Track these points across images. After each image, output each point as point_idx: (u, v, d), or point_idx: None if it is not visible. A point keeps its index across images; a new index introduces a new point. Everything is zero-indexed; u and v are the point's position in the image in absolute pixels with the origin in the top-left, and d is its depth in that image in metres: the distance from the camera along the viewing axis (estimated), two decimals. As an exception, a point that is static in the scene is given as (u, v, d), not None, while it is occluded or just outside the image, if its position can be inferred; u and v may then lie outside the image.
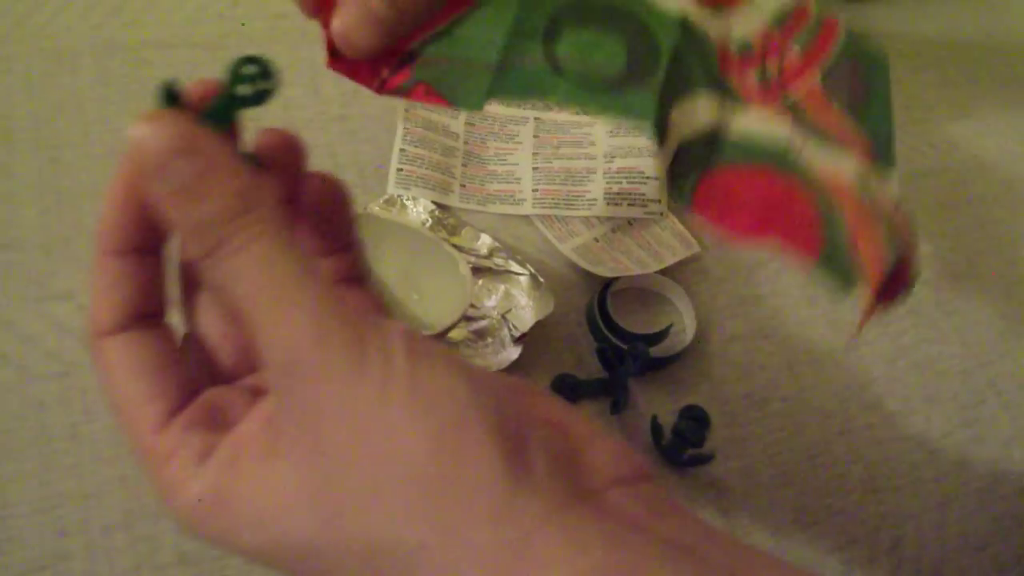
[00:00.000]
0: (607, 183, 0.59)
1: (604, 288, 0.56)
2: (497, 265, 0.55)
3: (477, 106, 0.31)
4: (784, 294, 0.60)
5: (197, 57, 0.62)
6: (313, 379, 0.25)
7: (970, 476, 0.56)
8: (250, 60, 0.27)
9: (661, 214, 0.58)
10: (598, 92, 0.32)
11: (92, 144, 0.57)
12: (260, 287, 0.25)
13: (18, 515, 0.45)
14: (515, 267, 0.54)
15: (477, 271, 0.54)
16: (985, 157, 0.71)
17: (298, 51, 0.64)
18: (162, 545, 0.45)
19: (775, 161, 0.35)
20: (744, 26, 0.37)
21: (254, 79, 0.27)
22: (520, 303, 0.53)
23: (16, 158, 0.56)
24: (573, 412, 0.30)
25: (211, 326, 0.31)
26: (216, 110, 0.27)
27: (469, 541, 0.24)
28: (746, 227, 0.34)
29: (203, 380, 0.30)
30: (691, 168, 0.34)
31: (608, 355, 0.53)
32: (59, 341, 0.50)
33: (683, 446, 0.51)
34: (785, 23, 0.38)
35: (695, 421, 0.53)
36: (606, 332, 0.54)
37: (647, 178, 0.59)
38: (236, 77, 0.27)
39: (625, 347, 0.53)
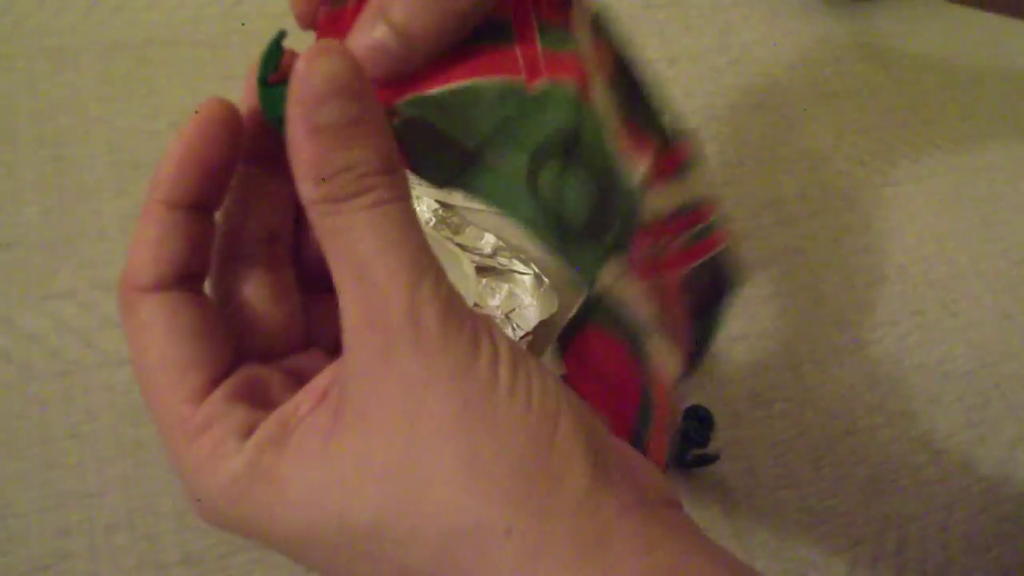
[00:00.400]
0: (611, 182, 0.59)
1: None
2: (501, 264, 0.54)
3: (436, 183, 0.29)
4: (789, 294, 0.60)
5: (199, 55, 0.62)
6: (427, 351, 0.24)
7: (975, 478, 0.56)
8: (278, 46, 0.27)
9: (665, 214, 0.58)
10: (563, 236, 0.31)
11: (94, 143, 0.57)
12: (391, 247, 0.25)
13: (20, 514, 0.45)
14: (519, 267, 0.54)
15: (481, 270, 0.54)
16: (989, 158, 0.71)
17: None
18: (165, 544, 0.45)
19: (630, 340, 0.36)
20: (664, 198, 0.37)
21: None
22: (524, 303, 0.53)
23: (18, 156, 0.56)
24: (615, 435, 0.30)
25: (254, 301, 0.30)
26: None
27: (553, 529, 0.24)
28: (592, 395, 0.33)
29: (238, 356, 0.29)
30: (576, 320, 0.34)
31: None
32: (61, 340, 0.50)
33: (687, 446, 0.51)
34: (694, 211, 0.38)
35: (699, 421, 0.53)
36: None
37: (651, 177, 0.59)
38: (268, 65, 0.28)
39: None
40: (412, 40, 0.28)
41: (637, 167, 0.34)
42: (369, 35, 0.29)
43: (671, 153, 0.37)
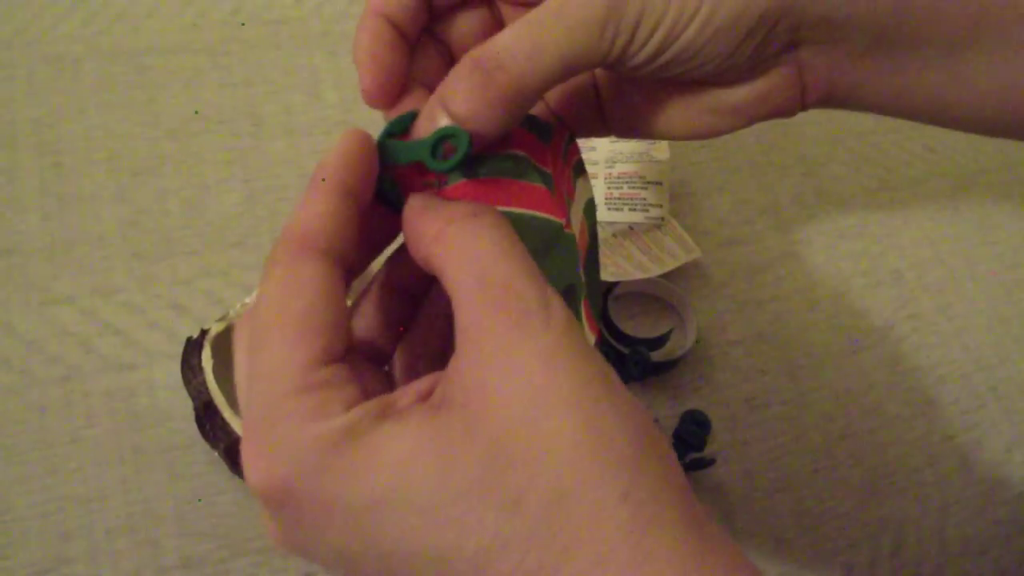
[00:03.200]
0: (608, 188, 0.59)
1: (605, 293, 0.56)
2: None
3: None
4: (785, 298, 0.60)
5: (198, 63, 0.62)
6: (557, 331, 0.27)
7: (971, 480, 0.56)
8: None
9: (662, 219, 0.59)
10: None
11: (94, 149, 0.57)
12: (510, 251, 0.28)
13: (21, 519, 0.45)
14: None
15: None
16: (984, 163, 0.71)
17: (299, 57, 0.64)
18: (165, 549, 0.45)
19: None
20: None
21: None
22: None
23: (19, 163, 0.56)
24: None
25: (374, 322, 0.34)
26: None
27: (667, 501, 0.26)
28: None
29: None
30: None
31: (609, 359, 0.53)
32: (61, 345, 0.50)
33: (685, 450, 0.51)
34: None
35: (696, 425, 0.53)
36: (607, 336, 0.54)
37: (648, 183, 0.59)
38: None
39: (626, 351, 0.53)
40: (464, 122, 0.32)
41: (589, 340, 0.37)
42: (430, 122, 0.32)
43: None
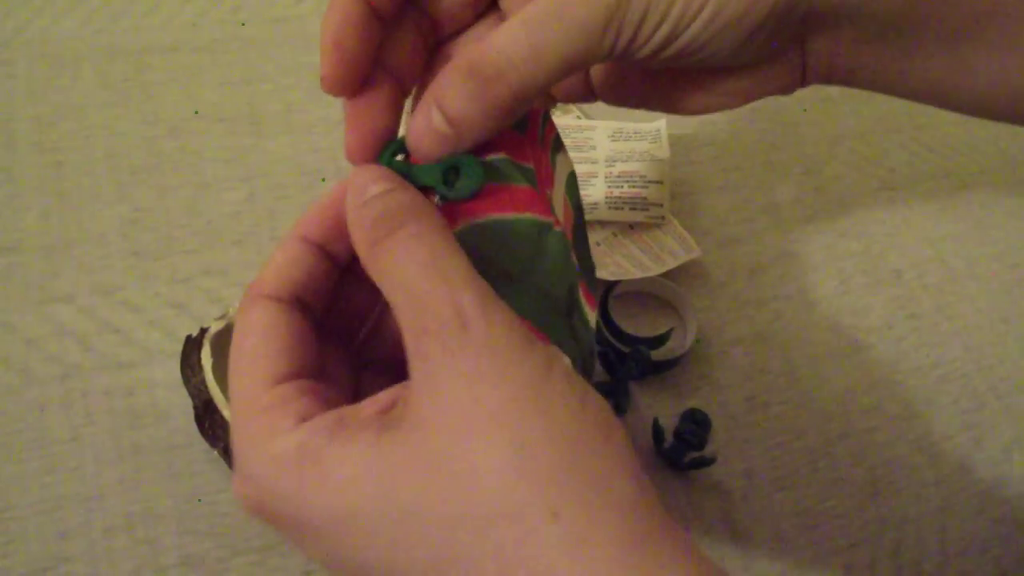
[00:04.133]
0: (608, 187, 0.59)
1: (605, 292, 0.56)
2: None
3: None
4: (785, 298, 0.60)
5: (198, 62, 0.62)
6: (477, 347, 0.26)
7: (971, 480, 0.56)
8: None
9: (663, 218, 0.58)
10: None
11: (93, 148, 0.57)
12: (428, 265, 0.28)
13: (19, 517, 0.45)
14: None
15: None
16: (984, 162, 0.71)
17: (299, 55, 0.64)
18: (164, 547, 0.45)
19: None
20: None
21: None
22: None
23: (18, 161, 0.56)
24: None
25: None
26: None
27: (602, 519, 0.25)
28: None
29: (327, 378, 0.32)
30: None
31: (610, 358, 0.54)
32: (60, 344, 0.50)
33: (684, 449, 0.51)
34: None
35: (696, 424, 0.53)
36: (608, 335, 0.54)
37: (649, 182, 0.59)
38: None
39: (626, 350, 0.53)
40: (459, 125, 0.32)
41: (592, 318, 0.37)
42: (426, 120, 0.32)
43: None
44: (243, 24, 0.65)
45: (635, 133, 0.62)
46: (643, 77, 0.39)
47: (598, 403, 0.27)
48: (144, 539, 0.45)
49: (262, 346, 0.30)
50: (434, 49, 0.39)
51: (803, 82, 0.39)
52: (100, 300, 0.52)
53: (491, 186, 0.33)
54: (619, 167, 0.60)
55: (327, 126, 0.61)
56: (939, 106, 0.39)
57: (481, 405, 0.26)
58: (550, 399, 0.26)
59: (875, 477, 0.55)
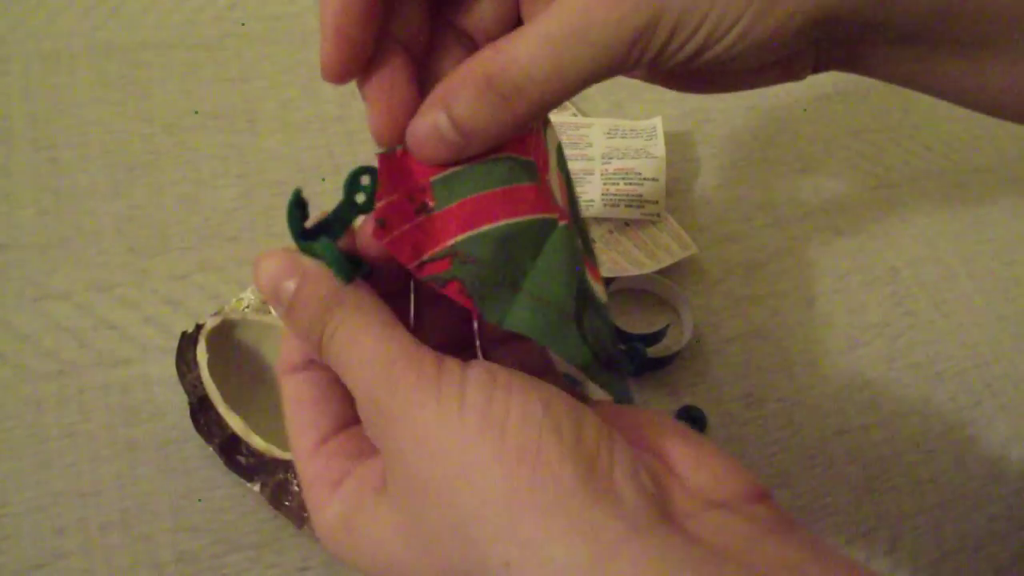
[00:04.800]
0: (604, 184, 0.59)
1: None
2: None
3: (499, 322, 0.31)
4: (781, 295, 0.60)
5: (194, 59, 0.62)
6: (390, 420, 0.29)
7: (967, 477, 0.56)
8: (365, 171, 0.31)
9: (659, 215, 0.59)
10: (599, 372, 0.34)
11: (89, 145, 0.57)
12: (347, 361, 0.30)
13: (15, 513, 0.45)
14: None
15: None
16: (980, 160, 0.71)
17: (295, 52, 0.64)
18: (160, 544, 0.45)
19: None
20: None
21: (367, 188, 0.31)
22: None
23: (14, 158, 0.56)
24: (682, 436, 0.30)
25: None
26: (336, 217, 0.32)
27: (550, 556, 0.25)
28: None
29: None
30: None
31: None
32: (56, 340, 0.50)
33: (680, 446, 0.51)
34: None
35: (692, 421, 0.53)
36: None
37: (644, 179, 0.59)
38: (352, 187, 0.31)
39: (623, 347, 0.53)
40: (469, 135, 0.31)
41: (602, 291, 0.36)
42: (431, 122, 0.31)
43: None
44: (242, 24, 0.65)
45: (631, 131, 0.62)
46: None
47: (523, 418, 0.27)
48: (140, 535, 0.45)
49: (294, 419, 0.33)
50: (435, 17, 0.36)
51: (815, 71, 0.39)
52: (96, 296, 0.52)
53: (493, 193, 0.32)
54: (615, 164, 0.60)
55: (323, 123, 0.61)
56: (954, 103, 0.39)
57: (419, 483, 0.28)
58: (470, 454, 0.27)
59: (871, 474, 0.55)
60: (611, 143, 0.61)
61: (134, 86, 0.60)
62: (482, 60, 0.31)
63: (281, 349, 0.34)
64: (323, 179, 0.59)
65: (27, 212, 0.54)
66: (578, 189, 0.59)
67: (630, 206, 0.59)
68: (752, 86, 0.39)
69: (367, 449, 0.32)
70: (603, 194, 0.59)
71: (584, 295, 0.34)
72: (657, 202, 0.59)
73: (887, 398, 0.58)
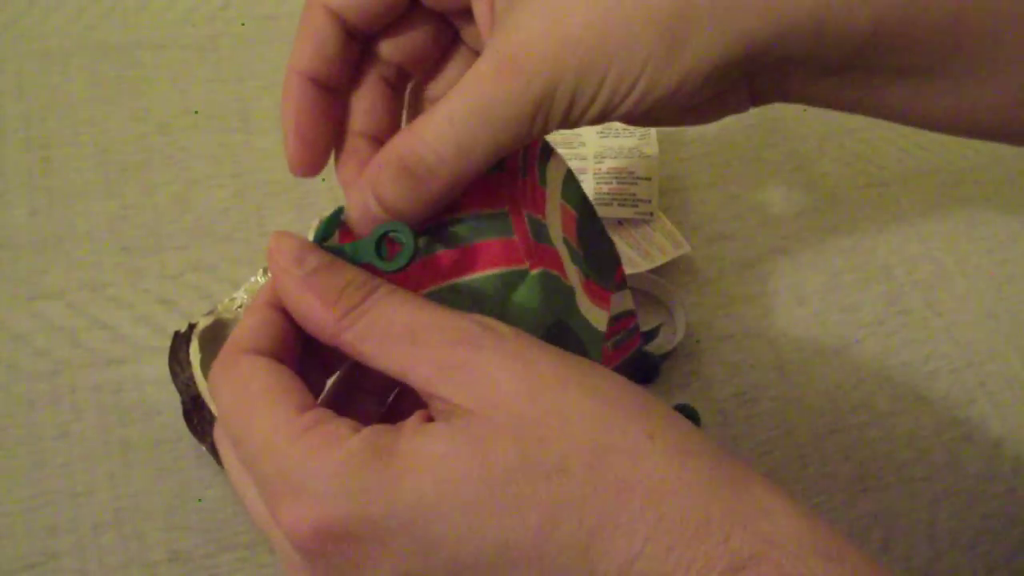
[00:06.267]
0: (597, 183, 0.59)
1: (595, 287, 0.56)
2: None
3: None
4: (774, 294, 0.60)
5: (188, 58, 0.62)
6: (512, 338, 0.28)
7: (960, 475, 0.56)
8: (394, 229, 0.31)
9: (651, 214, 0.59)
10: None
11: (83, 144, 0.57)
12: (423, 307, 0.29)
13: (8, 513, 0.45)
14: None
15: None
16: (974, 159, 0.71)
17: (287, 52, 0.64)
18: (152, 543, 0.45)
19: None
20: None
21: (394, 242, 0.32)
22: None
23: (7, 158, 0.56)
24: None
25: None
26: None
27: (689, 435, 0.28)
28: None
29: None
30: None
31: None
32: (49, 340, 0.50)
33: (673, 444, 0.51)
34: (622, 320, 0.44)
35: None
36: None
37: (637, 178, 0.59)
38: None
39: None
40: (397, 215, 0.31)
41: (601, 316, 0.37)
42: (362, 203, 0.32)
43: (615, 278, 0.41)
44: (236, 23, 0.65)
45: (624, 129, 0.62)
46: None
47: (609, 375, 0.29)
48: (132, 535, 0.46)
49: (271, 383, 0.29)
50: (410, 90, 0.39)
51: (755, 104, 0.38)
52: (89, 296, 0.52)
53: (454, 251, 0.33)
54: (608, 163, 0.60)
55: (317, 123, 0.61)
56: (902, 124, 0.39)
57: (540, 373, 0.27)
58: (591, 364, 0.29)
59: (864, 473, 0.55)
60: (604, 142, 0.61)
61: (127, 85, 0.60)
62: (396, 143, 0.32)
63: (239, 329, 0.31)
64: (323, 179, 0.59)
65: (19, 211, 0.54)
66: (571, 188, 0.59)
67: (623, 205, 0.59)
68: (695, 122, 0.39)
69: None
70: (595, 193, 0.59)
71: (561, 333, 0.35)
72: (650, 201, 0.59)
73: (880, 396, 0.58)
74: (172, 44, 0.63)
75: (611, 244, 0.41)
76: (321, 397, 0.35)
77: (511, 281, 0.33)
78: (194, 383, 0.46)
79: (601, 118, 0.32)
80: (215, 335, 0.48)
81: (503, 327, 0.29)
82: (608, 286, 0.39)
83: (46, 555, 0.44)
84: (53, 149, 0.57)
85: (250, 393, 0.29)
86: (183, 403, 0.47)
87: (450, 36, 0.37)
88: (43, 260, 0.53)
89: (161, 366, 0.49)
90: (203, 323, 0.48)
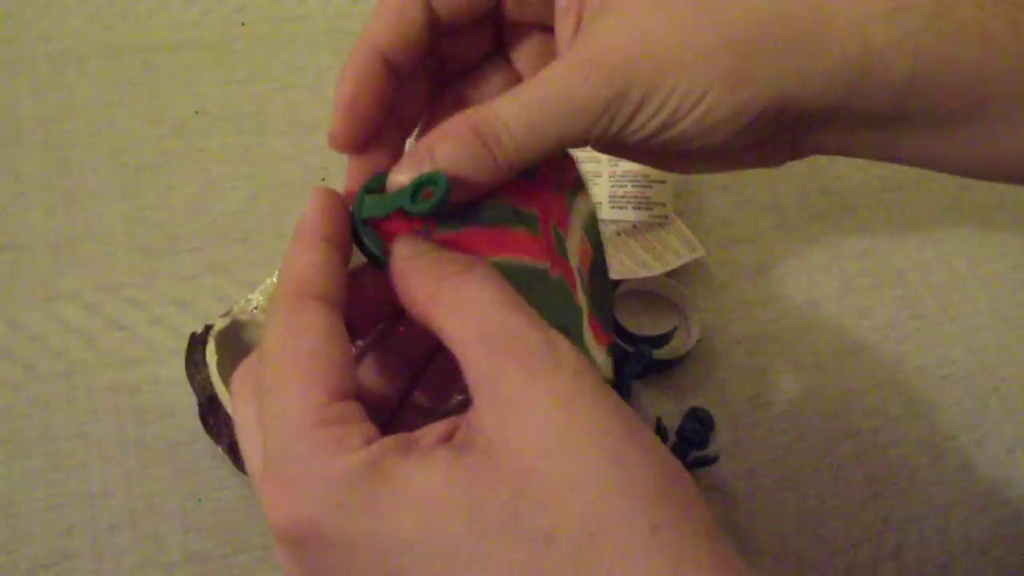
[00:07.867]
0: (612, 186, 0.59)
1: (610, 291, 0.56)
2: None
3: None
4: (788, 297, 0.60)
5: (202, 59, 0.62)
6: (568, 372, 0.27)
7: (974, 480, 0.56)
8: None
9: (666, 217, 0.59)
10: None
11: (99, 145, 0.58)
12: (510, 300, 0.28)
13: (24, 513, 0.45)
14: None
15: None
16: (988, 163, 0.71)
17: (303, 54, 0.64)
18: (168, 544, 0.46)
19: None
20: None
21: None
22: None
23: (24, 159, 0.56)
24: None
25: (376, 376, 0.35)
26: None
27: (695, 533, 0.25)
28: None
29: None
30: None
31: (613, 357, 0.54)
32: (65, 341, 0.50)
33: (687, 448, 0.51)
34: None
35: (699, 423, 0.53)
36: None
37: (652, 181, 0.59)
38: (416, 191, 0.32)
39: (630, 349, 0.53)
40: (451, 180, 0.31)
41: (600, 353, 0.38)
42: (416, 171, 0.32)
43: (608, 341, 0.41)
44: (252, 25, 0.65)
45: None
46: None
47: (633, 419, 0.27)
48: (148, 535, 0.46)
49: (323, 353, 0.28)
50: (437, 91, 0.39)
51: (793, 158, 0.39)
52: (105, 297, 0.52)
53: (488, 230, 0.33)
54: (623, 166, 0.60)
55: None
56: (938, 171, 0.41)
57: (579, 424, 0.26)
58: (637, 425, 0.27)
59: (877, 477, 0.55)
60: (618, 145, 0.61)
61: (143, 87, 0.60)
62: (468, 114, 0.33)
63: (297, 264, 0.30)
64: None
65: (36, 212, 0.54)
66: (585, 191, 0.59)
67: (638, 208, 0.59)
68: (731, 168, 0.40)
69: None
70: (611, 196, 0.59)
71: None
72: (665, 204, 0.59)
73: (894, 401, 0.58)
74: (188, 46, 0.63)
75: (612, 306, 0.42)
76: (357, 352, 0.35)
77: (536, 276, 0.34)
78: (210, 384, 0.47)
79: (660, 130, 0.34)
80: (231, 337, 0.48)
81: (567, 352, 0.27)
82: (608, 332, 0.39)
83: (62, 555, 0.45)
84: (69, 151, 0.57)
85: (299, 349, 0.28)
86: (199, 404, 0.47)
87: (489, 48, 0.39)
88: (59, 261, 0.53)
89: (177, 367, 0.49)
90: (219, 325, 0.48)
